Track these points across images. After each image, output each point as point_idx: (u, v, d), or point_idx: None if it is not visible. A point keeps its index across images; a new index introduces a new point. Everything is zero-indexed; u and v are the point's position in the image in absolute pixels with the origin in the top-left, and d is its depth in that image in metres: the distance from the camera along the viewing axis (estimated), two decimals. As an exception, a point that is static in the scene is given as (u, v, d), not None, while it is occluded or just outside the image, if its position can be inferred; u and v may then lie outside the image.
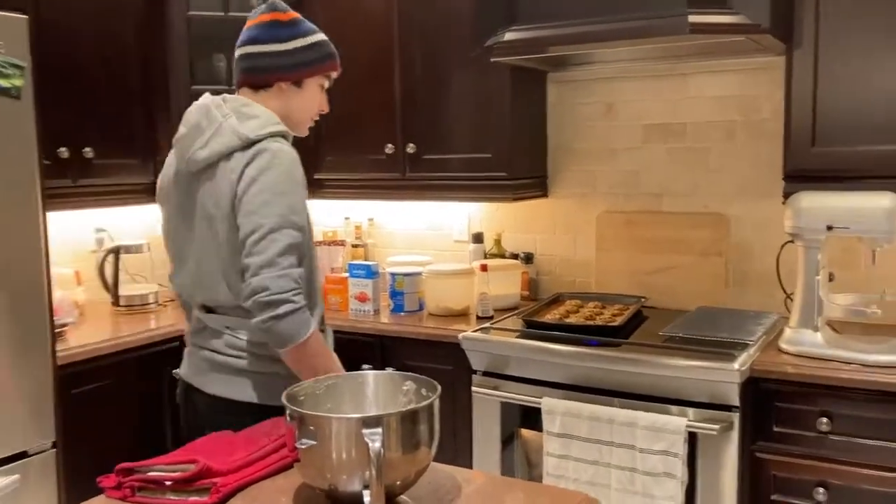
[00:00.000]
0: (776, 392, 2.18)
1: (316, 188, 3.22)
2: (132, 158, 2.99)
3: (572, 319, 2.58)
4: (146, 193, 3.05)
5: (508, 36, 2.48)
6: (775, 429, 2.19)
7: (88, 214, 3.11)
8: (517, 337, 2.51)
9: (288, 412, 1.26)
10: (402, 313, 2.93)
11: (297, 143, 1.87)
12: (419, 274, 2.93)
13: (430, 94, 2.97)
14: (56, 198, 2.63)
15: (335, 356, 1.80)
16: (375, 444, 1.17)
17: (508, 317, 2.79)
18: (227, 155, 1.74)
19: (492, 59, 2.63)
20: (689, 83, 2.85)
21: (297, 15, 1.89)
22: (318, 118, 1.98)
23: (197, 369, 1.87)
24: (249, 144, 1.74)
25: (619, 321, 2.50)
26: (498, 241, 3.18)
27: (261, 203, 1.69)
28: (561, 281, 3.15)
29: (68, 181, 2.76)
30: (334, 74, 1.95)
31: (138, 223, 3.31)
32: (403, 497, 1.31)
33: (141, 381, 2.68)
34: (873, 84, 2.24)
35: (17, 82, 2.16)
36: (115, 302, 3.04)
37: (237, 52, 1.88)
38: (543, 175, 3.13)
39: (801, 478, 2.15)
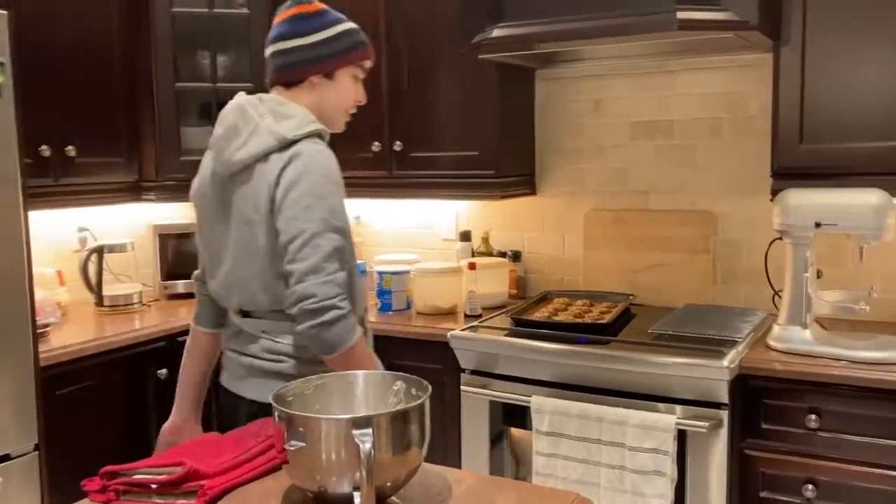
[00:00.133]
0: (765, 389, 2.18)
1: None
2: (116, 157, 2.96)
3: (561, 317, 2.57)
4: (130, 192, 3.02)
5: (496, 33, 2.47)
6: (764, 426, 2.19)
7: (71, 213, 3.07)
8: (506, 335, 2.50)
9: (276, 413, 1.24)
10: (390, 312, 2.92)
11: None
12: (407, 272, 2.92)
13: (418, 91, 2.96)
14: (38, 196, 2.60)
15: (376, 358, 1.77)
16: (366, 446, 1.15)
17: (497, 315, 2.78)
18: (265, 156, 1.71)
19: (479, 56, 2.62)
20: (677, 80, 2.85)
21: (322, 6, 1.83)
22: (354, 111, 1.92)
23: (235, 375, 1.85)
24: (286, 145, 1.70)
25: (607, 319, 2.49)
26: (486, 240, 3.17)
27: (302, 208, 1.65)
28: (549, 279, 3.14)
29: (50, 180, 2.72)
30: (368, 64, 1.89)
31: (122, 222, 3.28)
32: (394, 498, 1.29)
33: (125, 382, 2.64)
34: (861, 81, 2.24)
35: (-2, 79, 2.13)
36: (99, 302, 3.01)
37: (266, 52, 1.84)
38: (531, 173, 3.12)
39: (789, 475, 2.16)
